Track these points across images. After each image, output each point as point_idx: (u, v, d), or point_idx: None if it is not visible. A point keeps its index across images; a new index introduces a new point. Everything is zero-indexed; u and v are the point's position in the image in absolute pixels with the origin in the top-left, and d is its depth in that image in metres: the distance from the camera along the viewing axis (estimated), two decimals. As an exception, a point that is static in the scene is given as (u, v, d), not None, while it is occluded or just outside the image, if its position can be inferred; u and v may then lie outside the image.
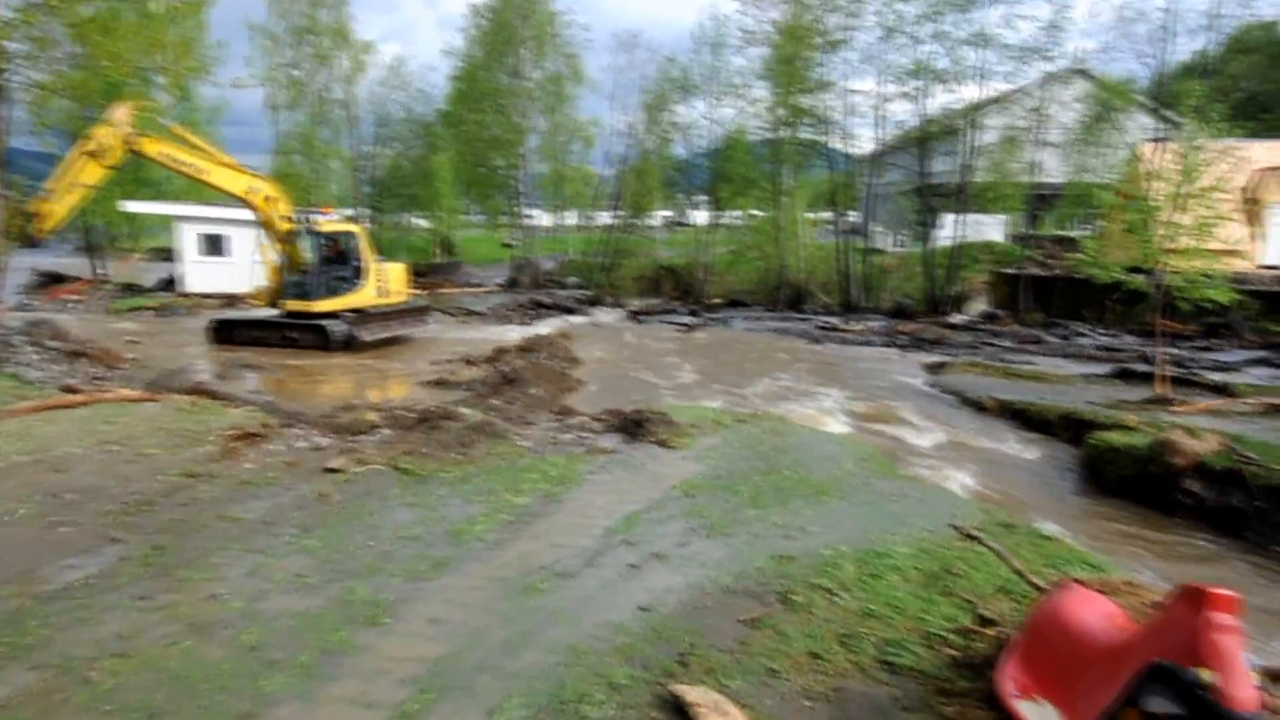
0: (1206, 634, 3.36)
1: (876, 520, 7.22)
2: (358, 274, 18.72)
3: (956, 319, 27.31)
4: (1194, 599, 3.50)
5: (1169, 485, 9.26)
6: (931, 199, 32.29)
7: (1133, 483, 9.65)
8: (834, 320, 27.28)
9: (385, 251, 23.87)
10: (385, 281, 19.49)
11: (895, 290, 31.46)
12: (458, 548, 6.34)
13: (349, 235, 19.12)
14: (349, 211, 35.07)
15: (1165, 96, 29.83)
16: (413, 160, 41.30)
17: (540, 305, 28.97)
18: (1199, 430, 9.86)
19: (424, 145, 40.97)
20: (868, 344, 22.32)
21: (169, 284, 28.93)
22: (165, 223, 29.65)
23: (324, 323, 17.70)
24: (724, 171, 37.42)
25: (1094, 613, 4.23)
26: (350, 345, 17.64)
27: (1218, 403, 12.82)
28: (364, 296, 18.78)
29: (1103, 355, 19.60)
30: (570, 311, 28.21)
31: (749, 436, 10.35)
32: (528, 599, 5.52)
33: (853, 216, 36.72)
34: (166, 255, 30.14)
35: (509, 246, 40.80)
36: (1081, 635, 4.10)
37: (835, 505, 7.67)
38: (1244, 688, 3.28)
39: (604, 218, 43.11)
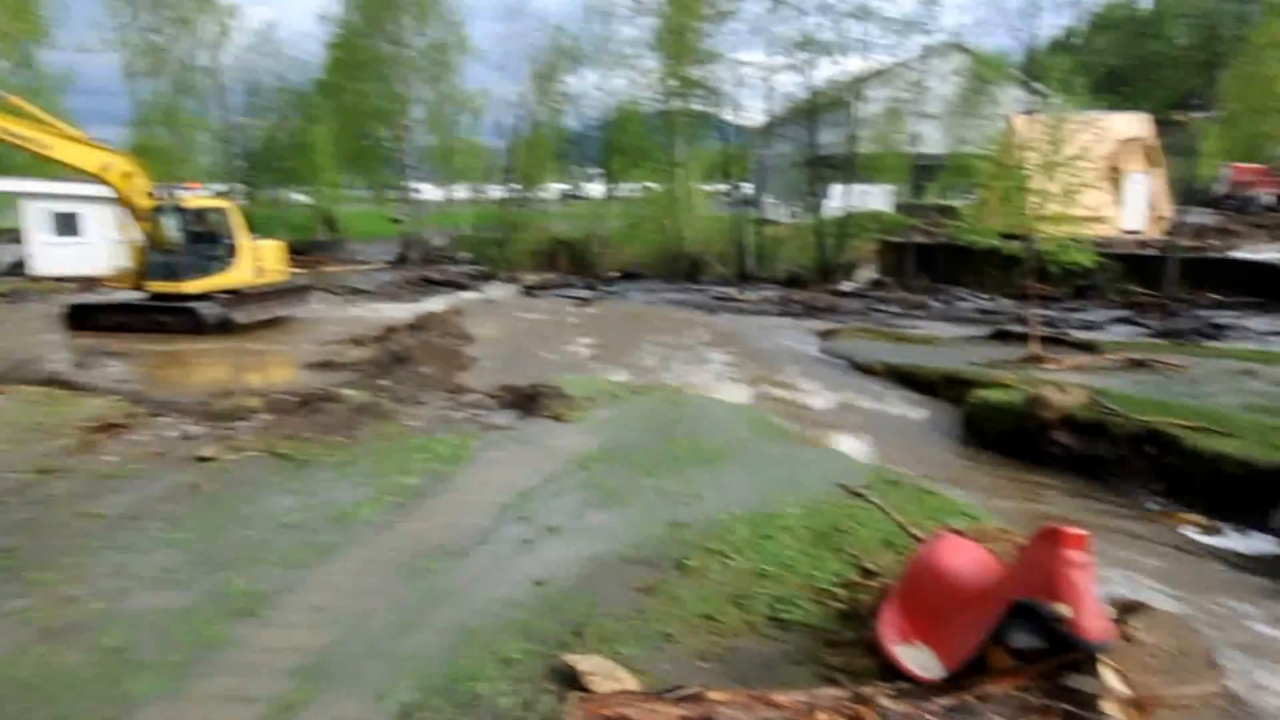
0: (1061, 571, 3.54)
1: (769, 483, 7.34)
2: (230, 252, 17.66)
3: (846, 287, 28.12)
4: (1050, 539, 3.69)
5: (1041, 438, 9.82)
6: (821, 170, 33.00)
7: (1009, 437, 10.18)
8: (729, 290, 27.60)
9: (261, 228, 22.54)
10: (260, 260, 18.49)
11: (788, 260, 32.08)
12: (342, 533, 6.10)
13: (218, 211, 18.02)
14: (220, 187, 32.98)
15: (1035, 70, 31.33)
16: (289, 132, 39.04)
17: (431, 282, 28.10)
18: (1067, 386, 10.46)
19: (301, 116, 38.80)
20: (762, 313, 22.72)
21: (17, 267, 26.67)
22: (10, 201, 27.17)
23: (195, 305, 16.65)
24: (617, 143, 37.17)
25: (965, 559, 4.42)
26: (225, 328, 16.68)
27: (1085, 359, 13.62)
28: (238, 276, 17.75)
29: (982, 318, 20.59)
30: (463, 288, 27.54)
31: (644, 408, 10.36)
32: (418, 580, 5.36)
33: (746, 188, 37.16)
34: (14, 236, 27.60)
35: (397, 222, 39.41)
36: (953, 580, 4.28)
37: (729, 471, 7.76)
38: (1096, 618, 3.48)
39: (496, 191, 42.18)
